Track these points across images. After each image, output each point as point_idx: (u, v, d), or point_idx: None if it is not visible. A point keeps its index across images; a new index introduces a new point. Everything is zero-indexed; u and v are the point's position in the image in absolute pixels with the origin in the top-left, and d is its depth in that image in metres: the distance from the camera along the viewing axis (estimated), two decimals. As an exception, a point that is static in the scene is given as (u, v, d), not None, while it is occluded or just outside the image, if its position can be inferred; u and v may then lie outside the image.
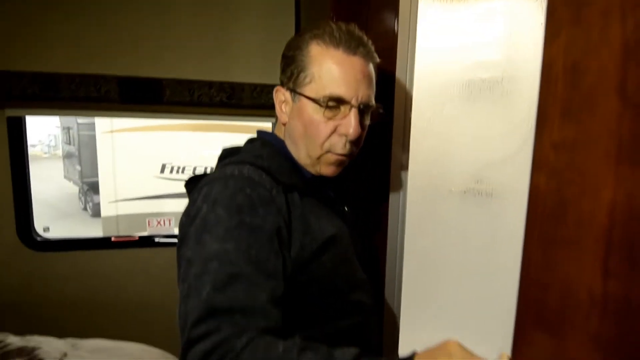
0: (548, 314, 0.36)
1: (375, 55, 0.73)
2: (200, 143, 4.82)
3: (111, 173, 4.87)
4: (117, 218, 4.83)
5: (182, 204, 0.72)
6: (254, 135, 0.80)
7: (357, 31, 0.71)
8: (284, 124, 0.75)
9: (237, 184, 0.62)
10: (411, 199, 1.03)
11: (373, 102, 0.73)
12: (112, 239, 2.12)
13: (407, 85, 0.99)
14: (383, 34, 1.06)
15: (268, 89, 1.75)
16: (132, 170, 4.89)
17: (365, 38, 0.72)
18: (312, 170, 0.74)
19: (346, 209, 0.82)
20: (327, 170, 0.73)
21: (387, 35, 1.03)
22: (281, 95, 0.74)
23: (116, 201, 4.81)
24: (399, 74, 1.00)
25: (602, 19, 0.30)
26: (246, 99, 1.81)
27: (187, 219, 0.64)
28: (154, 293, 1.97)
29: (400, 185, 1.02)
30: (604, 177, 0.30)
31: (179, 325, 0.57)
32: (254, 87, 1.82)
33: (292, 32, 1.88)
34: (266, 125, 2.08)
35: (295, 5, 1.87)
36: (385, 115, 0.79)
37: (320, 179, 0.76)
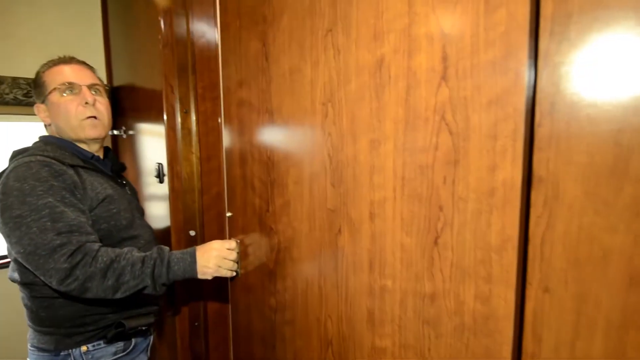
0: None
1: (87, 63, 1.06)
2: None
3: None
4: None
5: None
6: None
7: (68, 56, 1.04)
8: (49, 125, 1.02)
9: (38, 165, 0.87)
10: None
11: (98, 82, 1.04)
12: None
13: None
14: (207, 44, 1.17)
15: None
16: None
17: (76, 58, 1.05)
18: (82, 136, 1.00)
19: (124, 182, 1.15)
20: (90, 132, 1.00)
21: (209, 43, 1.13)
22: (38, 108, 1.02)
23: None
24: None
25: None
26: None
27: (1, 195, 0.84)
28: None
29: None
30: (257, 118, 0.57)
31: (25, 254, 0.81)
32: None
33: (100, 26, 1.77)
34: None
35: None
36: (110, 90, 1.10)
37: (99, 161, 1.05)
